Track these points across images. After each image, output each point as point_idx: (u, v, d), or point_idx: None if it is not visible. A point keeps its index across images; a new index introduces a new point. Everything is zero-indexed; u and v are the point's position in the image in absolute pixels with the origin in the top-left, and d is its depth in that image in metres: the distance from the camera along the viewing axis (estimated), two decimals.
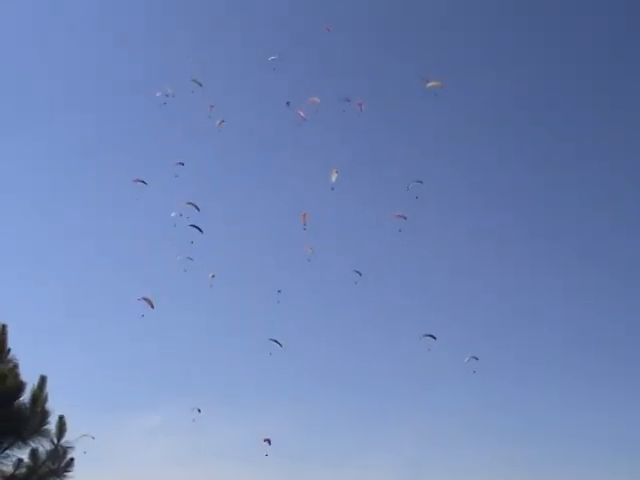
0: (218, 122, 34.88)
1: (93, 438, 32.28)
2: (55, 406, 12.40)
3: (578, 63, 71.68)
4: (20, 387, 11.96)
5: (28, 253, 61.74)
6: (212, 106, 34.93)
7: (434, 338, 32.18)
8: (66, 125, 65.78)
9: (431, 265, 63.77)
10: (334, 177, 33.80)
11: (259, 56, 56.49)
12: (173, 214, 33.20)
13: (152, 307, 30.22)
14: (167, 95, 35.58)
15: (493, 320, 64.27)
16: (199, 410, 37.46)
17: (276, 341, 33.92)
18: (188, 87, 35.19)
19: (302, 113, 34.88)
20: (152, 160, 57.88)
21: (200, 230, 32.06)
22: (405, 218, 33.26)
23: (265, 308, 54.08)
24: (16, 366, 13.70)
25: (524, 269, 66.69)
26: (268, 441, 34.01)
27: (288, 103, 35.47)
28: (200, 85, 34.30)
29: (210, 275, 35.66)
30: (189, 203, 32.94)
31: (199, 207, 32.72)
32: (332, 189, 34.46)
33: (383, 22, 65.58)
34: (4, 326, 14.33)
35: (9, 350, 14.19)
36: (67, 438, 12.45)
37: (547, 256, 67.84)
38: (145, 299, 30.13)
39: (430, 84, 33.19)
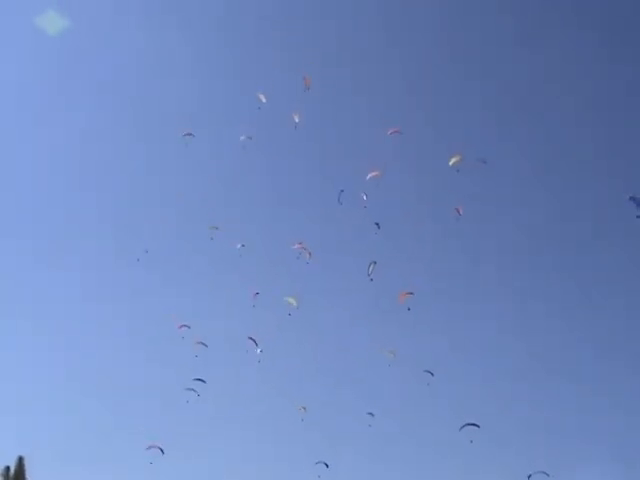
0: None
1: None
2: None
3: None
4: None
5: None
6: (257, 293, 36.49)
7: (477, 426, 30.00)
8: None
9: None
10: (294, 302, 34.34)
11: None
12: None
13: (162, 452, 30.53)
14: (147, 251, 37.77)
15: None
16: None
17: (323, 462, 33.22)
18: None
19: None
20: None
21: (203, 381, 32.93)
22: (412, 294, 32.77)
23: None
24: None
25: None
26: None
27: (377, 224, 35.67)
28: (216, 229, 36.17)
29: (300, 408, 35.33)
30: (200, 343, 34.05)
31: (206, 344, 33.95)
32: (289, 315, 34.94)
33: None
34: (21, 458, 15.01)
35: None
36: None
37: None
38: (154, 446, 30.41)
39: (452, 161, 32.85)
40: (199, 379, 32.37)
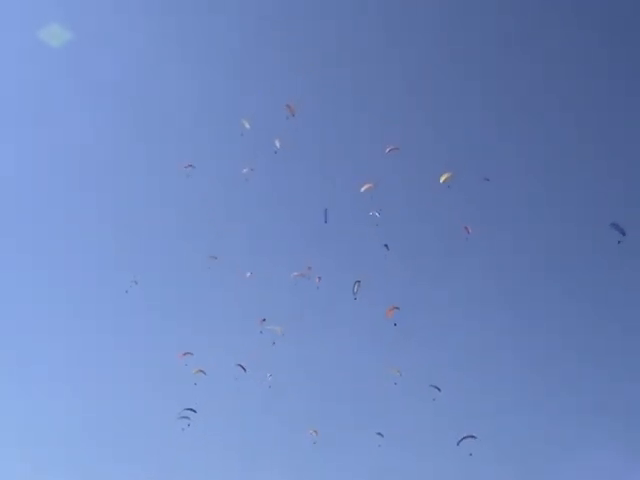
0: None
1: None
2: None
3: None
4: None
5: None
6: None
7: (474, 437, 30.13)
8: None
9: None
10: (278, 330, 34.59)
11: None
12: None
13: None
14: (135, 282, 37.86)
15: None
16: None
17: None
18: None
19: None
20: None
21: (194, 411, 33.23)
22: (398, 308, 32.86)
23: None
24: None
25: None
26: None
27: (386, 246, 35.39)
28: (215, 258, 36.43)
29: (311, 431, 35.48)
30: (200, 371, 34.30)
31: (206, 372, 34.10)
32: (273, 343, 35.26)
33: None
34: None
35: None
36: None
37: None
38: None
39: (443, 178, 32.75)
40: (189, 409, 32.52)
